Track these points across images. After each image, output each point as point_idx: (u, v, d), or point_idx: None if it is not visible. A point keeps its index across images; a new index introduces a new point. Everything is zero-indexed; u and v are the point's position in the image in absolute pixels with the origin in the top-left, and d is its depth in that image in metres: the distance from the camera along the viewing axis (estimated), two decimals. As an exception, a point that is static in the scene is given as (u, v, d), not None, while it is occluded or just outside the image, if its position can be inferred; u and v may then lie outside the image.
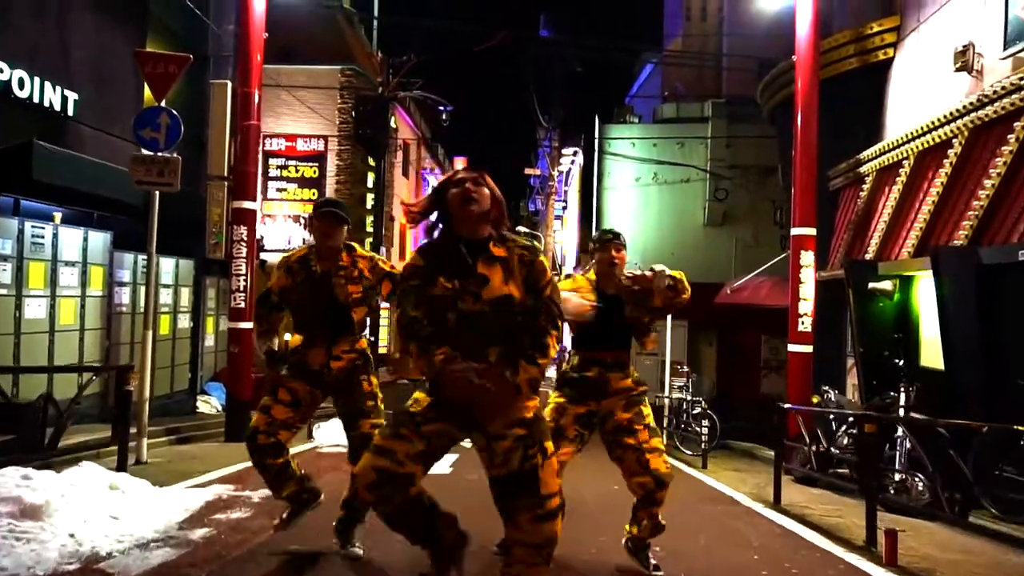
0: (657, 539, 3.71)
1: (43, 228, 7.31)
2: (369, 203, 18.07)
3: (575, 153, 24.09)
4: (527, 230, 26.75)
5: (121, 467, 4.97)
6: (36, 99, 7.39)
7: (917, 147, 7.50)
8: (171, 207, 6.79)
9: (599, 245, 3.57)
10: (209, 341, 11.08)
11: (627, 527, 3.67)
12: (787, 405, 6.83)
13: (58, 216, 7.93)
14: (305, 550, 3.71)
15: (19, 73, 7.14)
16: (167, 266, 9.62)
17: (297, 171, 18.57)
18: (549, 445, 2.41)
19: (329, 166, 18.56)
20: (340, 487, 3.74)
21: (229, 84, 8.67)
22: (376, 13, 21.36)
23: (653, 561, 3.64)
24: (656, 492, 3.43)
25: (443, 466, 6.15)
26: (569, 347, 3.72)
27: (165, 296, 9.59)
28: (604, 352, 3.52)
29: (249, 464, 6.38)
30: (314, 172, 18.56)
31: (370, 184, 18.33)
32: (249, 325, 8.63)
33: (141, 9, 9.36)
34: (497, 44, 16.28)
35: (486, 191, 2.44)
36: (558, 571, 3.41)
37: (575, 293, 3.45)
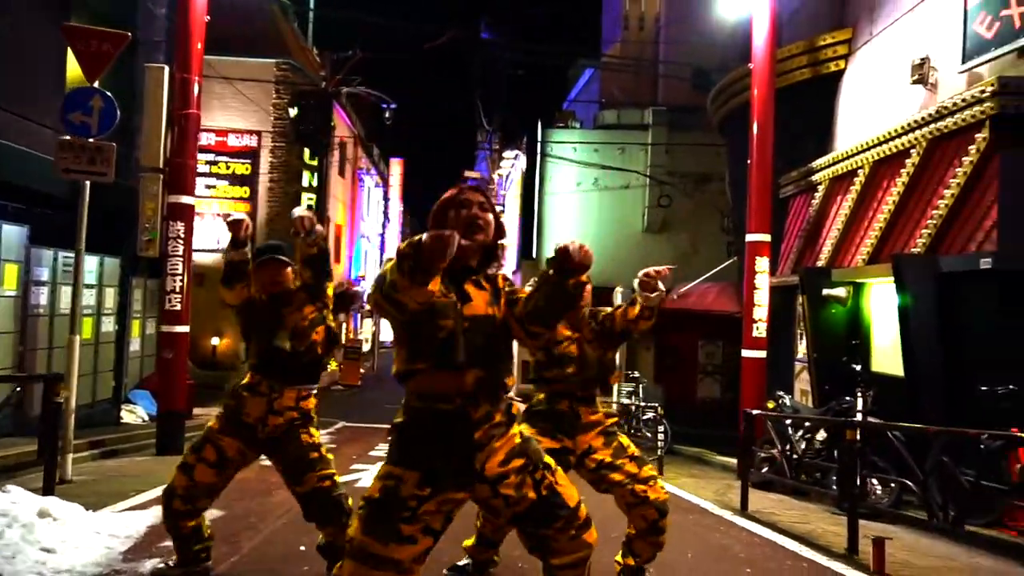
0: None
1: (-51, 220, 6.56)
2: (305, 202, 17.41)
3: (516, 156, 23.95)
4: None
5: (48, 490, 4.41)
6: (-60, 77, 6.63)
7: (872, 157, 7.64)
8: (95, 200, 6.15)
9: None
10: (135, 346, 10.30)
11: (619, 559, 3.46)
12: (755, 411, 6.78)
13: (-34, 207, 7.14)
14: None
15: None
16: (90, 264, 8.82)
17: (228, 167, 17.69)
18: (549, 459, 2.28)
19: (262, 163, 17.79)
20: (295, 507, 3.38)
21: (166, 68, 8.02)
22: (312, 6, 20.70)
23: None
24: (659, 521, 3.29)
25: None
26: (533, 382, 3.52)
27: (88, 297, 8.80)
28: (573, 385, 3.35)
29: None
30: (246, 169, 17.73)
31: (306, 183, 17.71)
32: (185, 329, 8.02)
33: (64, -17, 8.58)
34: (438, 46, 15.99)
35: (491, 218, 2.22)
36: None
37: None
